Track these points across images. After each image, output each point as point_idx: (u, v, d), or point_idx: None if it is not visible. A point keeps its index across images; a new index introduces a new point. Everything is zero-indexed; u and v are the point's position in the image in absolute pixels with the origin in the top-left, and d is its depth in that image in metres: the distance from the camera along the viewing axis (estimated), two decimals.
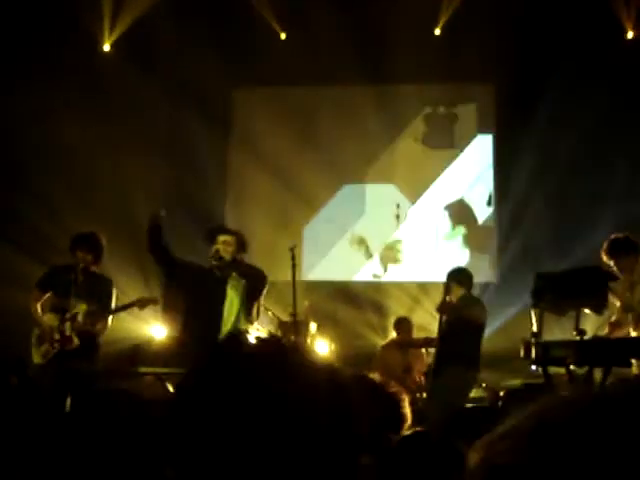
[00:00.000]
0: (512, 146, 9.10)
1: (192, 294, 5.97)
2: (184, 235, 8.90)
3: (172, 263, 6.04)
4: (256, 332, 6.00)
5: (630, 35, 9.09)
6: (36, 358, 5.99)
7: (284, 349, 1.15)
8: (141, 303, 6.50)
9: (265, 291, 6.02)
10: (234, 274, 5.88)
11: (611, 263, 5.80)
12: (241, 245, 5.97)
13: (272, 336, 5.96)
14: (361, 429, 1.10)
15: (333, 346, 8.31)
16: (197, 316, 5.82)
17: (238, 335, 5.52)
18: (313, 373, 1.10)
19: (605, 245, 5.84)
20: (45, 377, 5.83)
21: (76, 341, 6.01)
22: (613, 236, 5.89)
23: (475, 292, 8.80)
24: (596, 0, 8.79)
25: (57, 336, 5.96)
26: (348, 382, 1.13)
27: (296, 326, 6.63)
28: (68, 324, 5.99)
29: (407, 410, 2.60)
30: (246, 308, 5.88)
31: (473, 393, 7.64)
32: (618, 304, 5.76)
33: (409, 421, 2.59)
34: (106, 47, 9.81)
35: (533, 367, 5.66)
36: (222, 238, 5.88)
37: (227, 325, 5.80)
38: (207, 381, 1.08)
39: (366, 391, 2.46)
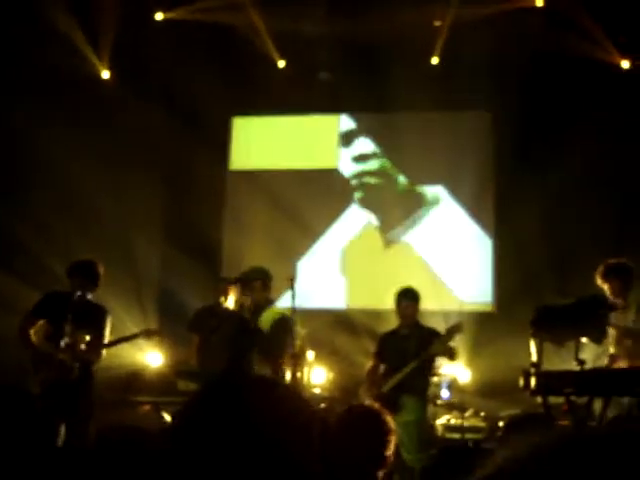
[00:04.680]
0: (511, 174, 9.12)
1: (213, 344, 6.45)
2: (181, 263, 8.91)
3: None
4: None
5: (625, 65, 9.14)
6: (33, 387, 5.92)
7: (274, 386, 1.20)
8: (147, 334, 6.50)
9: (288, 335, 6.24)
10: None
11: (605, 287, 5.87)
12: (267, 284, 6.42)
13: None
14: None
15: (331, 375, 8.27)
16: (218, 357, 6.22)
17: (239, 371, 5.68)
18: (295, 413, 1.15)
19: (600, 268, 5.91)
20: (42, 407, 5.76)
21: (76, 371, 5.96)
22: (609, 260, 5.95)
23: (474, 320, 8.85)
24: (587, 32, 8.85)
25: (56, 365, 5.90)
26: (323, 423, 1.22)
27: (294, 355, 6.60)
28: (69, 353, 5.94)
29: (391, 435, 2.87)
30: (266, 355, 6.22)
31: (472, 422, 7.61)
32: (615, 334, 5.77)
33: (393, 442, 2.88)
34: (105, 74, 9.84)
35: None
36: (252, 284, 6.38)
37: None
38: (203, 408, 1.14)
39: (354, 420, 2.88)
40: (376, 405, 3.09)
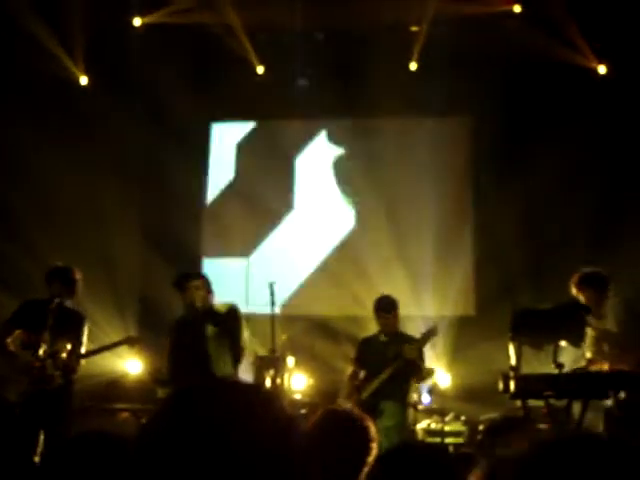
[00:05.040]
0: (490, 179, 9.16)
1: (177, 347, 6.32)
2: (161, 270, 8.85)
3: None
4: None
5: (602, 70, 9.21)
6: (12, 396, 5.86)
7: (249, 396, 1.17)
8: (130, 342, 6.50)
9: (242, 322, 6.30)
10: (209, 326, 6.21)
11: (579, 297, 5.86)
12: (209, 286, 6.33)
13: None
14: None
15: (311, 380, 8.26)
16: (185, 364, 6.13)
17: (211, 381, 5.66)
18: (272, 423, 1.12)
19: (574, 278, 5.90)
20: (22, 415, 5.70)
21: (58, 380, 5.92)
22: (583, 270, 5.95)
23: (453, 325, 8.87)
24: (566, 37, 8.91)
25: (36, 374, 5.85)
26: (302, 432, 1.17)
27: (274, 361, 6.59)
28: (50, 362, 5.89)
29: (374, 442, 2.85)
30: (230, 351, 6.19)
31: (453, 427, 7.63)
32: (592, 337, 5.80)
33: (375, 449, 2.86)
34: (83, 80, 9.78)
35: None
36: (192, 284, 6.24)
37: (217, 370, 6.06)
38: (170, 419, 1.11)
39: (336, 426, 2.87)
40: (356, 411, 3.08)
